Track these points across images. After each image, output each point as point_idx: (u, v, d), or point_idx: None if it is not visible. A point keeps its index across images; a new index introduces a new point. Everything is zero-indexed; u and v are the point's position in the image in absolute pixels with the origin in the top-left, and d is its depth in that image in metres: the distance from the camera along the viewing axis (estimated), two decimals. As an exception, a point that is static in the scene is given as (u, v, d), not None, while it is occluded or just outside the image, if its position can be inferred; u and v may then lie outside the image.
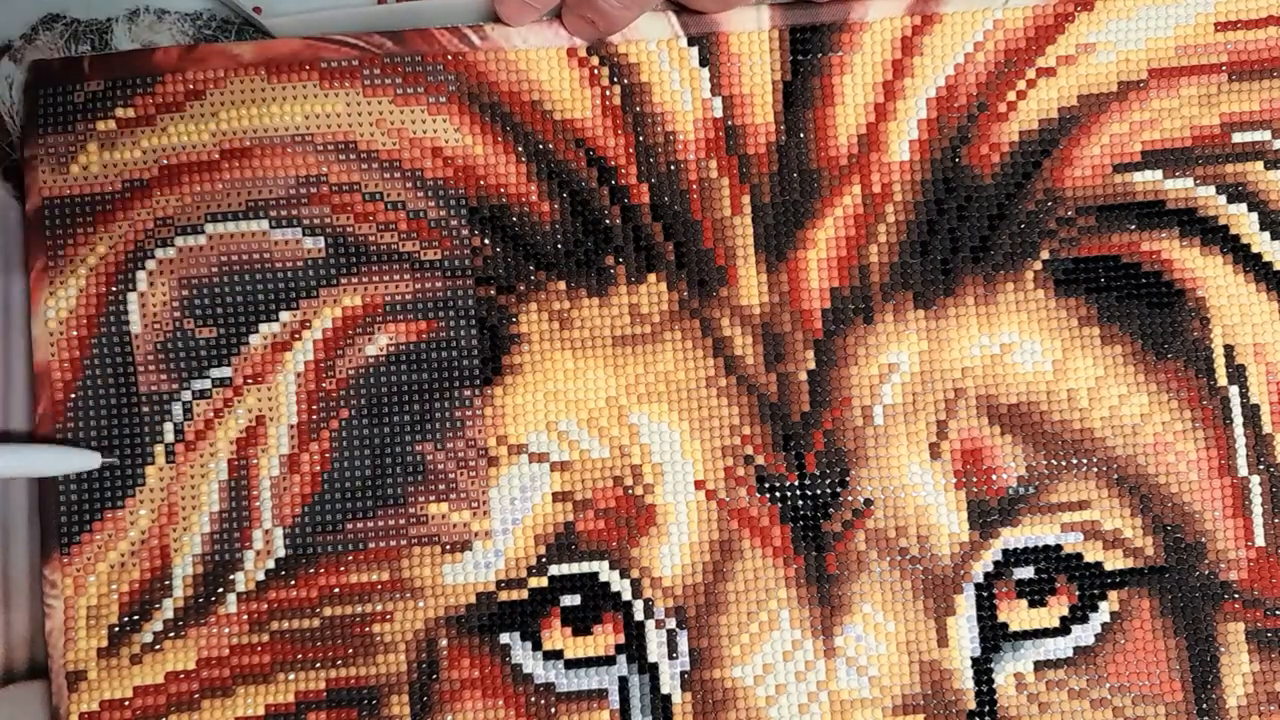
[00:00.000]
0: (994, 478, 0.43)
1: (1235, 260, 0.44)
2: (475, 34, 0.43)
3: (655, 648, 0.42)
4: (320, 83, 0.43)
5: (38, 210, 0.43)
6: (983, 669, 0.43)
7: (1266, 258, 0.44)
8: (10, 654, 0.43)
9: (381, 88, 0.43)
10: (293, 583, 0.42)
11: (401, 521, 0.43)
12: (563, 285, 0.43)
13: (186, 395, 0.42)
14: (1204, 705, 0.43)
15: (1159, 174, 0.44)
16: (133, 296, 0.43)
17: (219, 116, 0.43)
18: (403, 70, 0.43)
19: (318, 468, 0.43)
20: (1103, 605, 0.43)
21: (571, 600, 0.42)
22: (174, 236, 0.43)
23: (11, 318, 0.43)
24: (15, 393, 0.43)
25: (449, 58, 0.43)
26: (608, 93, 0.44)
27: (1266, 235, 0.44)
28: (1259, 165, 0.44)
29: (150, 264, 0.43)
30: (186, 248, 0.43)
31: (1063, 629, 0.43)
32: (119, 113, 0.43)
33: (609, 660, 0.42)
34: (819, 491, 0.43)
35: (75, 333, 0.43)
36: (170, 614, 0.42)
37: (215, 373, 0.43)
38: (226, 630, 0.42)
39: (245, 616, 0.42)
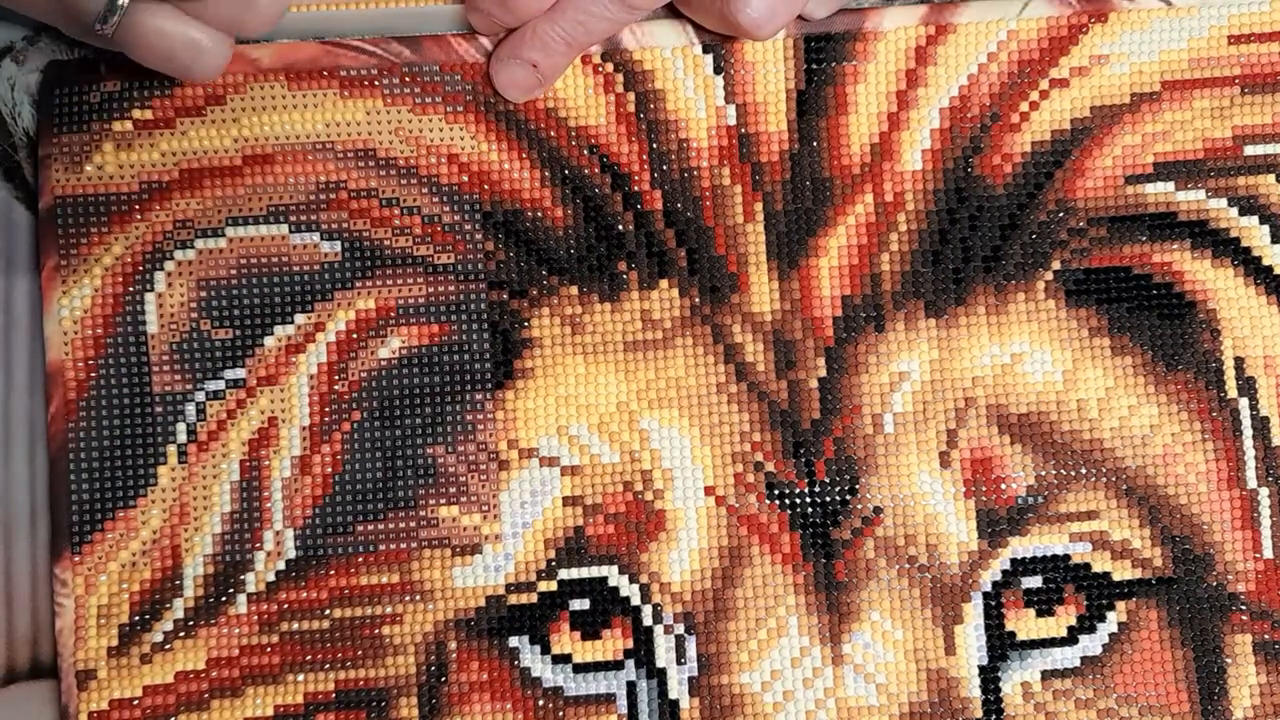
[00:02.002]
0: (1003, 487, 0.45)
1: (1246, 273, 0.46)
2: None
3: (663, 653, 0.44)
4: (340, 91, 0.45)
5: (50, 209, 0.45)
6: (990, 678, 0.44)
7: (1278, 270, 0.46)
8: (13, 654, 0.44)
9: (401, 97, 0.45)
10: (303, 584, 0.44)
11: (412, 524, 0.44)
12: (575, 290, 0.45)
13: (200, 396, 0.44)
14: (1210, 716, 0.44)
15: (1171, 186, 0.46)
16: (150, 297, 0.44)
17: (240, 122, 0.45)
18: (421, 80, 0.45)
19: (329, 469, 0.44)
20: (1110, 615, 0.44)
21: (580, 605, 0.44)
22: (194, 239, 0.44)
23: (12, 318, 0.45)
24: (16, 392, 0.45)
25: (466, 66, 0.45)
26: (622, 100, 0.45)
27: (1278, 248, 0.46)
28: (1270, 178, 0.46)
29: (169, 265, 0.44)
30: (206, 250, 0.45)
31: (1070, 639, 0.44)
32: (136, 114, 0.45)
33: (617, 665, 0.44)
34: (829, 499, 0.45)
35: (90, 332, 0.44)
36: (181, 614, 0.44)
37: (229, 374, 0.44)
38: (236, 631, 0.44)
39: (255, 617, 0.44)
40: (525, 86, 0.44)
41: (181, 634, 0.44)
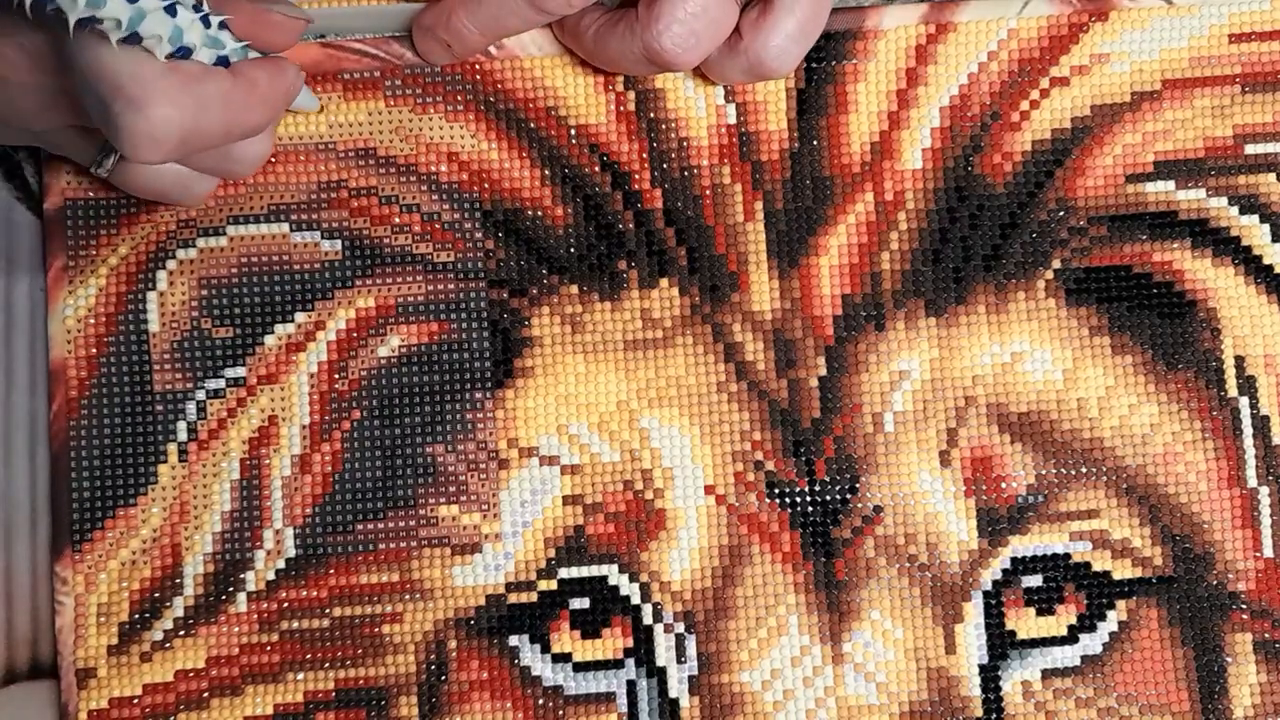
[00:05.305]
0: (1003, 486, 0.46)
1: (1247, 272, 0.47)
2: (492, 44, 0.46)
3: (663, 652, 0.45)
4: (344, 94, 0.46)
5: (59, 210, 0.46)
6: (990, 677, 0.45)
7: (1278, 270, 0.47)
8: (13, 653, 0.45)
9: (403, 97, 0.46)
10: (303, 583, 0.45)
11: (412, 523, 0.45)
12: (575, 289, 0.46)
13: (200, 394, 0.45)
14: (1211, 715, 0.45)
15: (1171, 184, 0.47)
16: (152, 295, 0.45)
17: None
18: (423, 81, 0.46)
19: (329, 468, 0.45)
20: (1111, 614, 0.45)
21: (580, 603, 0.45)
22: (195, 238, 0.46)
23: (13, 318, 0.46)
24: (17, 391, 0.46)
25: (465, 66, 0.46)
26: (622, 99, 0.46)
27: (1278, 247, 0.47)
28: (1271, 177, 0.47)
29: (171, 264, 0.46)
30: (207, 249, 0.46)
31: (1070, 638, 0.45)
32: (136, 113, 0.46)
33: (617, 664, 0.45)
34: (829, 498, 0.45)
35: (93, 331, 0.45)
36: (180, 612, 0.45)
37: (229, 372, 0.45)
38: (236, 629, 0.45)
39: (255, 616, 0.45)
40: (441, 58, 0.45)
41: (181, 632, 0.45)
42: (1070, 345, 0.46)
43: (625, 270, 0.46)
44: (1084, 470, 0.46)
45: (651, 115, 0.46)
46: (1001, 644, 0.45)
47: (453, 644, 0.45)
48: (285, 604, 0.45)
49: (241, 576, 0.45)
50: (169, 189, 0.42)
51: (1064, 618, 0.45)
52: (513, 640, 0.45)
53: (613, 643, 0.45)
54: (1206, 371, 0.46)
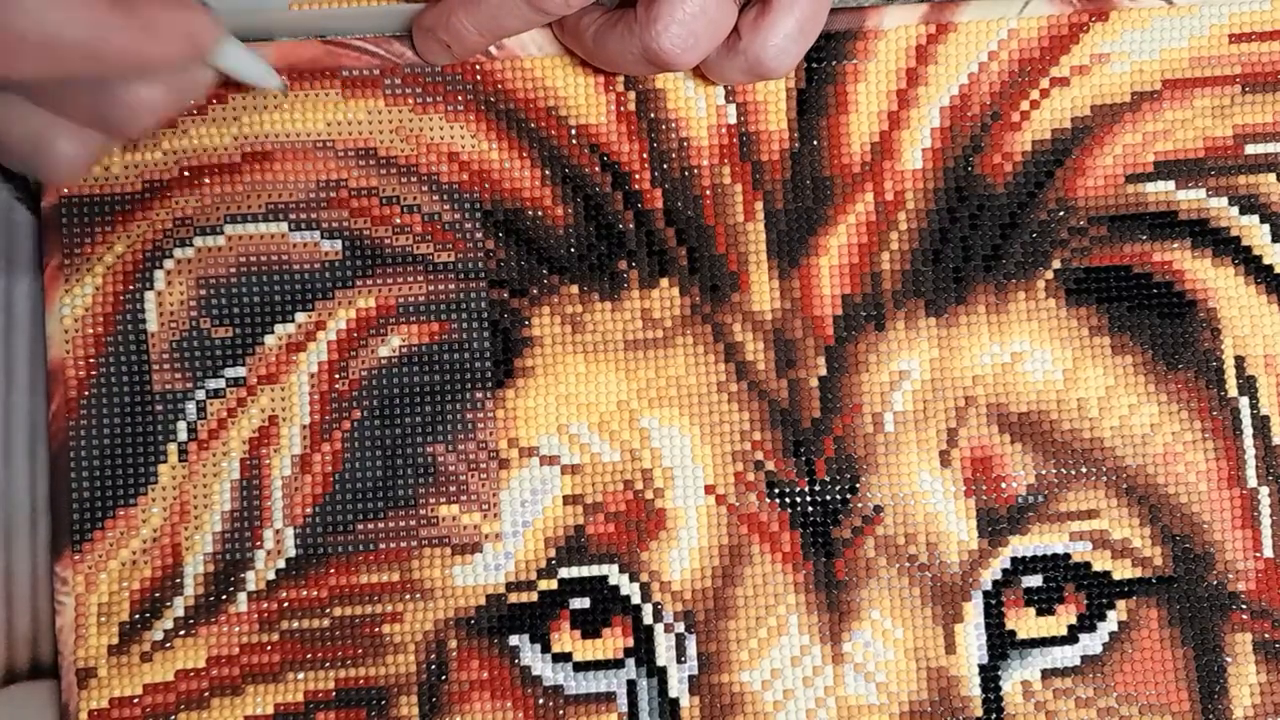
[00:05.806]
0: (1003, 486, 0.46)
1: (1247, 272, 0.47)
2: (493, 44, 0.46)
3: (664, 651, 0.45)
4: (342, 91, 0.46)
5: (55, 209, 0.46)
6: (990, 676, 0.45)
7: (1278, 270, 0.47)
8: (13, 653, 0.45)
9: (402, 97, 0.46)
10: (303, 582, 0.45)
11: (412, 523, 0.45)
12: (575, 289, 0.46)
13: (200, 394, 0.45)
14: (1210, 716, 0.45)
15: (1171, 185, 0.47)
16: (150, 295, 0.46)
17: (241, 121, 0.46)
18: (423, 80, 0.46)
19: (329, 468, 0.45)
20: (1111, 614, 0.46)
21: (581, 603, 0.45)
22: (193, 237, 0.46)
23: (13, 318, 0.46)
24: (17, 391, 0.46)
25: (466, 66, 0.46)
26: (622, 99, 0.47)
27: (1278, 247, 0.47)
28: (1271, 177, 0.47)
29: (169, 263, 0.46)
30: (205, 248, 0.46)
31: (1070, 638, 0.46)
32: (137, 113, 0.46)
33: (618, 663, 0.45)
34: (829, 498, 0.46)
35: (91, 330, 0.45)
36: (181, 612, 0.45)
37: (229, 372, 0.45)
38: (237, 629, 0.45)
39: (255, 616, 0.45)
40: (441, 58, 0.46)
41: (182, 632, 0.45)
42: (1070, 345, 0.46)
43: (625, 270, 0.46)
44: (1084, 470, 0.46)
45: (652, 115, 0.47)
46: (1001, 644, 0.45)
47: (453, 644, 0.45)
48: (285, 604, 0.45)
49: (242, 576, 0.45)
50: (16, 145, 0.36)
51: (1064, 618, 0.46)
52: (513, 640, 0.45)
53: (613, 642, 0.45)
54: (1206, 371, 0.46)
